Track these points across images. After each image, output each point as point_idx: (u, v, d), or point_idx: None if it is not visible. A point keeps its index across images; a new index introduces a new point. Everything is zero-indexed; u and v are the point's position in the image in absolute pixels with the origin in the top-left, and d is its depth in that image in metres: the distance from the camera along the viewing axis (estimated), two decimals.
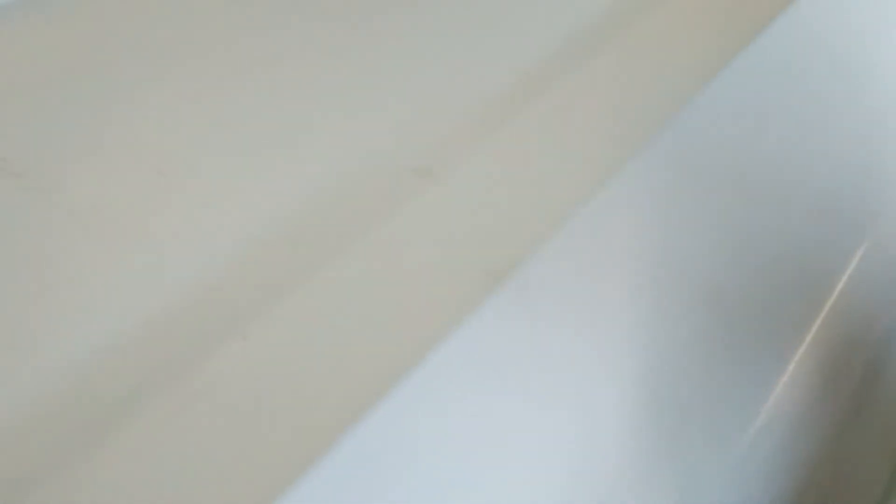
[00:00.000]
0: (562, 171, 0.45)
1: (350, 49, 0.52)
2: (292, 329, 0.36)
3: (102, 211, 0.41)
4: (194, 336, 0.35)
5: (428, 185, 0.43)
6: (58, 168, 0.43)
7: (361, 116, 0.47)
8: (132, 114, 0.46)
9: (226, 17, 0.53)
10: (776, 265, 0.53)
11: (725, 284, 0.50)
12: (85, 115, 0.46)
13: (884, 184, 0.62)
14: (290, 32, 0.53)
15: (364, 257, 0.39)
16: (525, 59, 0.51)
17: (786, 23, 0.55)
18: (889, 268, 0.60)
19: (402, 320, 0.36)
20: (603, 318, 0.43)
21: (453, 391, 0.36)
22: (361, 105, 0.48)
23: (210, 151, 0.45)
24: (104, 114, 0.46)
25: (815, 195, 0.57)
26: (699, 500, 0.45)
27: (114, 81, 0.48)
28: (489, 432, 0.37)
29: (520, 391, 0.39)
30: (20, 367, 0.34)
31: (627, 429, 0.42)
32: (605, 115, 0.48)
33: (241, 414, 0.33)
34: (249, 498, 0.30)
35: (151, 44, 0.51)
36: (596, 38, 0.53)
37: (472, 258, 0.39)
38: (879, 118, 0.63)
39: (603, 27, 0.54)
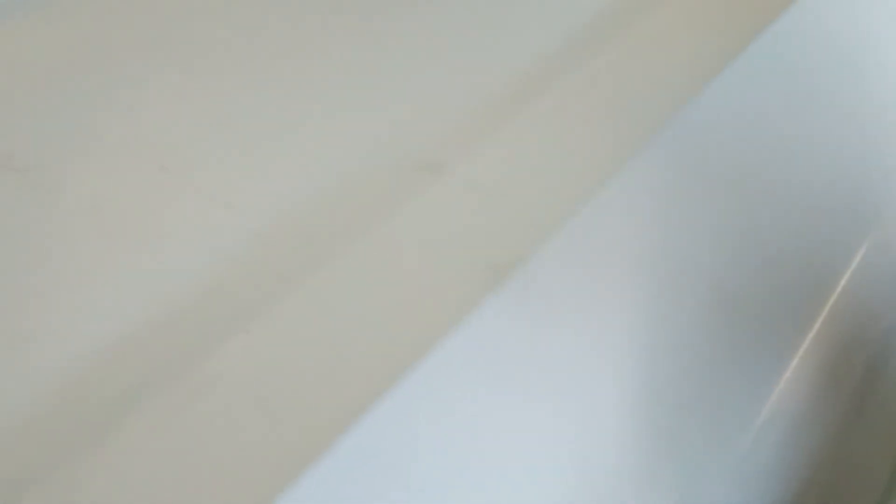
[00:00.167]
0: (566, 168, 0.44)
1: (355, 44, 0.52)
2: (296, 324, 0.36)
3: (105, 206, 0.41)
4: (197, 331, 0.36)
5: (432, 181, 0.43)
6: (60, 163, 0.43)
7: (366, 112, 0.47)
8: (135, 109, 0.46)
9: (229, 12, 0.53)
10: (778, 263, 0.53)
11: (727, 283, 0.50)
12: (87, 110, 0.46)
13: (886, 182, 0.62)
14: (294, 27, 0.53)
15: (367, 253, 0.39)
16: (530, 56, 0.51)
17: (788, 21, 0.55)
18: (892, 266, 0.60)
19: (405, 316, 0.36)
20: (604, 316, 0.43)
21: (455, 387, 0.36)
22: (366, 100, 0.48)
23: (213, 147, 0.45)
24: (107, 109, 0.46)
25: (817, 193, 0.57)
26: (700, 500, 0.45)
27: (116, 77, 0.48)
28: (489, 429, 0.37)
29: (521, 388, 0.39)
30: (21, 364, 0.34)
31: (628, 427, 0.42)
32: (609, 112, 0.48)
33: (244, 410, 0.33)
34: (252, 494, 0.30)
35: (154, 39, 0.51)
36: (600, 35, 0.53)
37: (475, 254, 0.39)
38: (882, 115, 0.62)
39: (607, 24, 0.54)
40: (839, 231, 0.58)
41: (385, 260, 0.39)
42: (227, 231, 0.40)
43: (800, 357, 0.52)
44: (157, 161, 0.43)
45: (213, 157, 0.44)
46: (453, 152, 0.44)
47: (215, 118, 0.46)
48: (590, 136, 0.47)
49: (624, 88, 0.50)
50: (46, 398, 0.33)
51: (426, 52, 0.52)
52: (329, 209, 0.41)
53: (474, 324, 0.37)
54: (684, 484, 0.45)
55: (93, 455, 0.31)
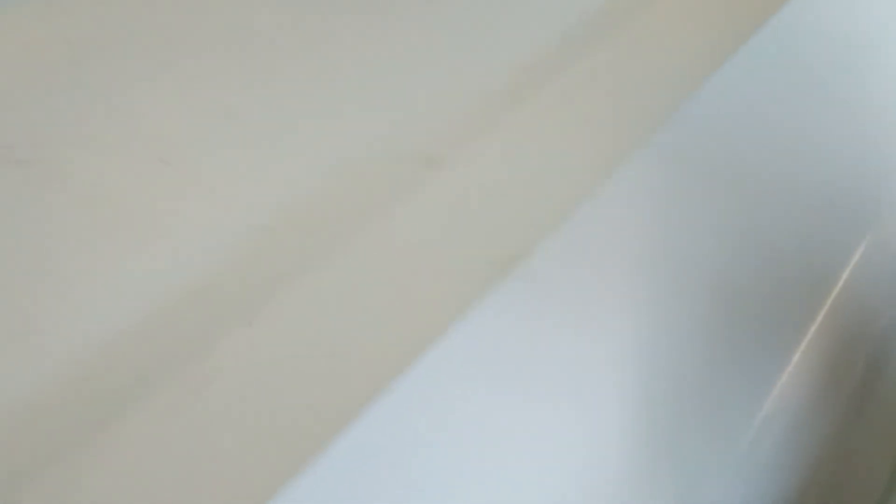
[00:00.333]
0: (566, 164, 0.45)
1: (355, 38, 0.52)
2: (296, 319, 0.36)
3: (105, 199, 0.41)
4: (198, 325, 0.35)
5: (432, 176, 0.43)
6: (61, 156, 0.43)
7: (368, 105, 0.47)
8: (136, 102, 0.46)
9: (229, 6, 0.53)
10: (778, 260, 0.53)
11: (727, 281, 0.50)
12: (89, 103, 0.46)
13: (886, 178, 0.62)
14: (295, 22, 0.53)
15: (368, 248, 0.39)
16: (530, 50, 0.51)
17: (787, 17, 0.55)
18: (892, 263, 0.60)
19: (406, 311, 0.36)
20: (604, 312, 0.43)
21: (455, 384, 0.36)
22: (367, 94, 0.48)
23: (214, 140, 0.45)
24: (108, 102, 0.46)
25: (817, 190, 0.57)
26: (699, 498, 0.45)
27: (118, 70, 0.48)
28: (489, 427, 0.37)
29: (521, 385, 0.39)
30: (20, 357, 0.34)
31: (628, 425, 0.42)
32: (611, 107, 0.48)
33: (244, 404, 0.33)
34: (251, 489, 0.30)
35: (156, 31, 0.51)
36: (600, 30, 0.53)
37: (476, 249, 0.39)
38: (882, 111, 0.63)
39: (607, 19, 0.54)
40: (839, 228, 0.58)
41: (386, 255, 0.39)
42: (228, 224, 0.40)
43: (799, 355, 0.52)
44: (158, 154, 0.43)
45: (214, 150, 0.44)
46: (453, 147, 0.44)
47: (216, 112, 0.46)
48: (590, 131, 0.47)
49: (624, 84, 0.50)
50: (48, 391, 0.33)
51: (426, 48, 0.52)
52: (329, 203, 0.41)
53: (475, 320, 0.36)
54: (683, 482, 0.45)
55: (93, 449, 0.31)
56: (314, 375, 0.34)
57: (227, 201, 0.41)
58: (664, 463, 0.44)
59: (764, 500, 0.49)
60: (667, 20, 0.54)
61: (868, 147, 0.61)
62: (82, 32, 0.50)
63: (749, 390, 0.50)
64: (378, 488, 0.33)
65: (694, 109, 0.49)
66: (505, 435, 0.38)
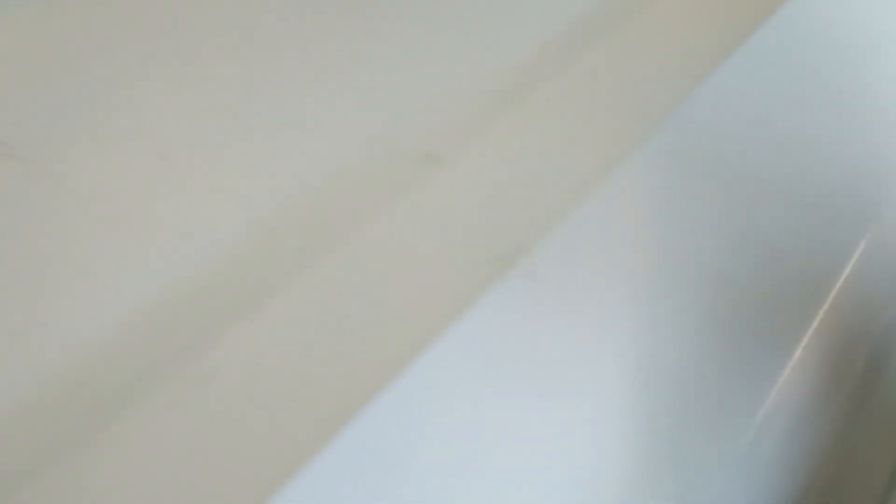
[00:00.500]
0: (568, 161, 0.44)
1: (357, 34, 0.52)
2: (296, 316, 0.36)
3: (105, 194, 0.41)
4: (197, 322, 0.35)
5: (436, 171, 0.43)
6: (61, 152, 0.43)
7: (369, 103, 0.47)
8: (135, 98, 0.46)
9: (229, 3, 0.53)
10: (778, 259, 0.53)
11: (727, 279, 0.50)
12: (88, 99, 0.46)
13: (886, 176, 0.62)
14: (296, 16, 0.53)
15: (369, 244, 0.39)
16: (531, 47, 0.51)
17: (787, 14, 0.55)
18: (892, 261, 0.60)
19: (406, 308, 0.36)
20: (606, 309, 0.43)
21: (456, 381, 0.36)
22: (369, 91, 0.48)
23: (213, 137, 0.44)
24: (107, 98, 0.46)
25: (817, 188, 0.57)
26: (700, 497, 0.45)
27: (116, 66, 0.48)
28: (489, 424, 0.37)
29: (522, 382, 0.39)
30: (18, 355, 0.34)
31: (628, 423, 0.42)
32: (611, 106, 0.48)
33: (244, 402, 0.33)
34: (251, 487, 0.30)
35: (154, 28, 0.51)
36: (601, 28, 0.53)
37: (478, 246, 0.39)
38: (882, 110, 0.63)
39: (607, 17, 0.54)
40: (838, 226, 0.58)
41: (386, 253, 0.39)
42: (227, 221, 0.40)
43: (800, 353, 0.52)
44: (157, 151, 0.43)
45: (213, 147, 0.44)
46: (454, 145, 0.44)
47: (215, 108, 0.46)
48: (590, 129, 0.47)
49: (624, 82, 0.50)
50: (46, 389, 0.33)
51: (426, 46, 0.52)
52: (330, 200, 0.41)
53: (475, 318, 0.36)
54: (683, 481, 0.45)
55: (93, 449, 0.31)
56: (313, 374, 0.34)
57: (226, 198, 0.41)
58: (664, 461, 0.44)
59: (764, 499, 0.49)
60: (666, 19, 0.54)
61: (868, 145, 0.62)
62: (80, 29, 0.50)
63: (749, 389, 0.50)
64: (377, 487, 0.33)
65: (694, 108, 0.49)
66: (505, 433, 0.38)
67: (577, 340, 0.42)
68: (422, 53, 0.51)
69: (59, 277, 0.37)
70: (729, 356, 0.49)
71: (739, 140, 0.52)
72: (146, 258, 0.38)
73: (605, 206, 0.43)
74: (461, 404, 0.36)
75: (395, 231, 0.40)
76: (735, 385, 0.49)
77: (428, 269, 0.38)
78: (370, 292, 0.37)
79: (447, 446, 0.36)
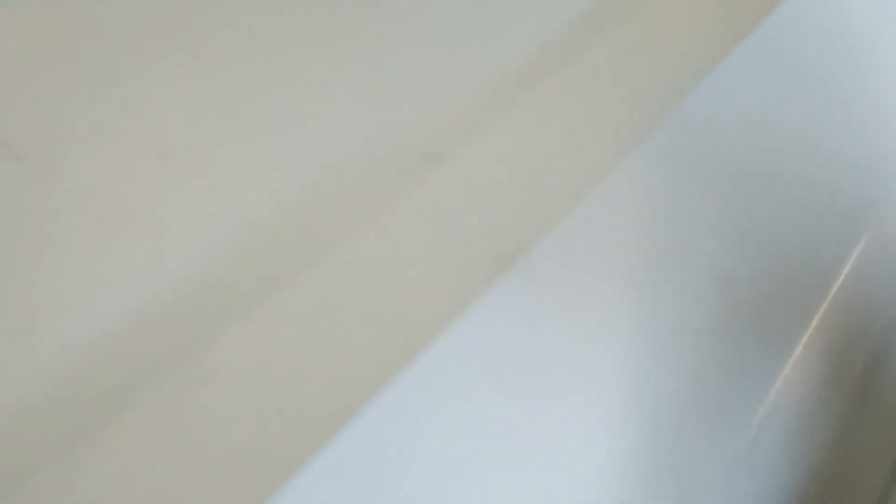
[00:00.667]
0: (568, 160, 0.44)
1: (357, 33, 0.52)
2: (296, 315, 0.36)
3: (104, 194, 0.41)
4: (197, 322, 0.35)
5: (432, 171, 0.43)
6: (59, 151, 0.43)
7: (368, 102, 0.47)
8: (134, 97, 0.46)
9: (229, 1, 0.53)
10: (777, 258, 0.53)
11: (727, 278, 0.50)
12: (86, 98, 0.46)
13: (886, 175, 0.62)
14: (297, 14, 0.53)
15: (368, 244, 0.39)
16: (530, 46, 0.51)
17: (786, 13, 0.55)
18: (891, 260, 0.60)
19: (406, 307, 0.36)
20: (605, 309, 0.43)
21: (456, 380, 0.36)
22: (368, 90, 0.48)
23: (213, 136, 0.44)
24: (106, 97, 0.46)
25: (816, 187, 0.57)
26: (700, 497, 0.45)
27: (116, 64, 0.48)
28: (488, 424, 0.37)
29: (521, 382, 0.39)
30: (17, 354, 0.34)
31: (628, 423, 0.42)
32: (611, 104, 0.48)
33: (243, 401, 0.33)
34: (251, 487, 0.30)
35: (154, 26, 0.51)
36: (600, 26, 0.53)
37: (478, 245, 0.39)
38: (882, 108, 0.63)
39: (606, 15, 0.54)
40: (837, 225, 0.58)
41: (386, 251, 0.39)
42: (227, 220, 0.40)
43: (799, 352, 0.52)
44: (157, 149, 0.43)
45: (213, 146, 0.44)
46: (453, 143, 0.44)
47: (215, 107, 0.46)
48: (590, 128, 0.47)
49: (624, 81, 0.50)
50: (45, 389, 0.33)
51: (426, 44, 0.52)
52: (329, 199, 0.41)
53: (474, 317, 0.36)
54: (683, 481, 0.45)
55: (92, 448, 0.31)
56: (313, 373, 0.34)
57: (226, 197, 0.41)
58: (664, 461, 0.44)
59: (764, 499, 0.49)
60: (665, 18, 0.54)
61: (867, 145, 0.62)
62: (80, 27, 0.50)
63: (749, 388, 0.50)
64: (377, 487, 0.33)
65: (693, 108, 0.49)
66: (504, 433, 0.38)
67: (577, 340, 0.41)
68: (422, 53, 0.51)
69: (59, 277, 0.37)
70: (729, 355, 0.49)
71: (738, 139, 0.52)
72: (146, 258, 0.38)
73: (605, 205, 0.43)
74: (461, 404, 0.36)
75: (394, 230, 0.40)
76: (735, 384, 0.49)
77: (427, 269, 0.38)
78: (370, 292, 0.37)
79: (447, 446, 0.36)
